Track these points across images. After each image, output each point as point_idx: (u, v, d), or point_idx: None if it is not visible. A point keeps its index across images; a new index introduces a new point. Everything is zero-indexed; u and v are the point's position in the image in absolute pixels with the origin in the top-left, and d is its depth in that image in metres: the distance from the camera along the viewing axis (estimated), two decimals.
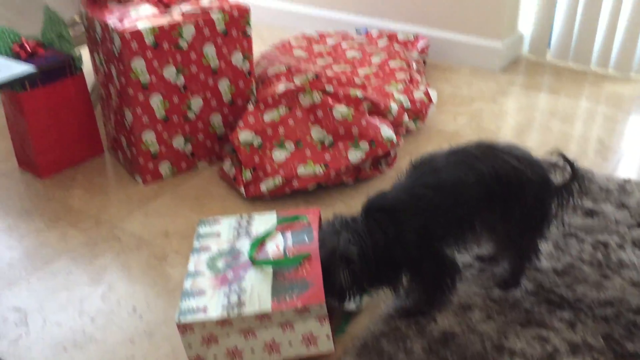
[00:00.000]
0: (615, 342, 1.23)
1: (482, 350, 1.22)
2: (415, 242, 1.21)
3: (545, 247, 1.48)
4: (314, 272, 1.19)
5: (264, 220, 1.38)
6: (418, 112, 2.06)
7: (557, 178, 1.38)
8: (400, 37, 2.57)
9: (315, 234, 1.27)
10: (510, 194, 1.25)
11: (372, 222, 1.21)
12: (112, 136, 1.94)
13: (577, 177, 1.35)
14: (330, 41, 2.56)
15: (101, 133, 2.01)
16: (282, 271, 1.22)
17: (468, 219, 1.26)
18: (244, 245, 1.30)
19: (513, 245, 1.35)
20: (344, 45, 2.51)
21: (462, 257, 1.46)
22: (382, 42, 2.53)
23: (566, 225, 1.57)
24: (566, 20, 2.51)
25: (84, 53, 1.93)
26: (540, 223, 1.32)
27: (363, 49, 2.46)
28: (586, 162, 1.89)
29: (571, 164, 1.36)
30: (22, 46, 1.79)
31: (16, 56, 1.79)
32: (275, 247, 1.28)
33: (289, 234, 1.30)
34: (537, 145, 2.00)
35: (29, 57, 1.79)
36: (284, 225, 1.34)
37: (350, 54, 2.43)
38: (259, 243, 1.30)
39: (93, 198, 1.77)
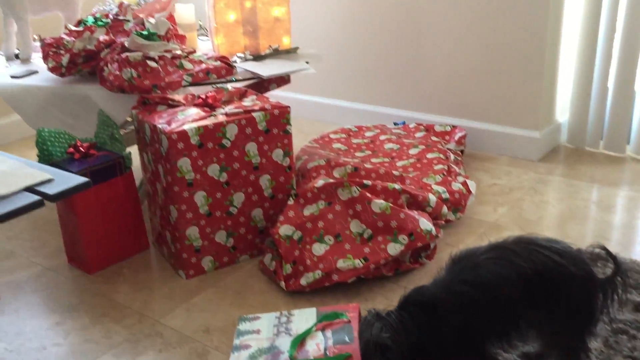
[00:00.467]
0: None
1: None
2: (453, 340, 1.19)
3: (594, 344, 1.42)
4: None
5: (304, 317, 1.38)
6: (457, 203, 2.07)
7: (601, 272, 1.34)
8: (437, 128, 2.62)
9: (356, 333, 1.26)
10: (553, 291, 1.23)
11: (407, 315, 1.20)
12: (157, 231, 2.00)
13: (620, 270, 1.32)
14: (368, 134, 2.63)
15: (147, 228, 2.07)
16: None
17: (510, 316, 1.24)
18: (284, 344, 1.30)
19: (560, 344, 1.31)
20: (382, 137, 2.57)
21: (507, 355, 1.41)
22: (420, 134, 2.58)
23: (615, 321, 1.51)
24: (599, 107, 2.52)
25: (133, 151, 2.03)
26: (587, 320, 1.28)
27: (401, 141, 2.51)
28: (632, 252, 1.85)
29: (613, 257, 1.34)
30: (76, 147, 1.90)
31: (71, 157, 1.90)
32: (315, 346, 1.27)
33: (329, 333, 1.30)
34: (580, 236, 1.97)
35: (82, 158, 1.89)
36: (324, 323, 1.34)
37: (389, 146, 2.49)
38: (299, 341, 1.29)
39: (137, 293, 1.81)
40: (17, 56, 2.42)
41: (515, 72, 2.51)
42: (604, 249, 1.36)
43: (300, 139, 2.84)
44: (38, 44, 2.50)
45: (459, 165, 2.35)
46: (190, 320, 1.68)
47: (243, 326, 1.40)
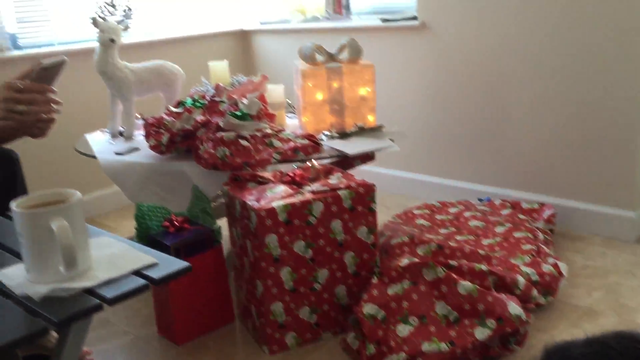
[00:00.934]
0: None
1: None
2: None
3: None
4: None
5: None
6: (548, 286, 1.99)
7: None
8: (525, 205, 2.57)
9: None
10: None
11: None
12: (243, 304, 2.04)
13: None
14: (452, 210, 2.60)
15: (233, 300, 2.12)
16: None
17: None
18: None
19: None
20: (467, 214, 2.54)
21: None
22: (506, 211, 2.53)
23: None
24: None
25: (222, 223, 2.11)
26: None
27: (486, 218, 2.47)
28: None
29: None
30: (171, 221, 2.00)
31: (166, 230, 2.00)
32: None
33: None
34: None
35: (176, 231, 1.99)
36: None
37: (473, 223, 2.45)
38: None
39: None
40: (121, 133, 2.61)
41: (607, 146, 2.44)
42: None
43: (383, 214, 2.86)
44: (140, 121, 2.69)
45: (549, 245, 2.28)
46: None
47: None
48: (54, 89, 1.42)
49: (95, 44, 2.44)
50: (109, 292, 0.84)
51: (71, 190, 0.91)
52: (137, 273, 0.89)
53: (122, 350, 1.97)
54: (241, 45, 3.78)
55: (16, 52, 2.89)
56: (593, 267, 2.26)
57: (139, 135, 2.56)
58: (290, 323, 1.89)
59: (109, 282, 0.86)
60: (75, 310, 0.80)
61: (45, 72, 1.37)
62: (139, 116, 2.72)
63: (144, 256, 0.92)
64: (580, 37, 2.41)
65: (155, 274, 0.88)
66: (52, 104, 1.41)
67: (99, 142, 2.55)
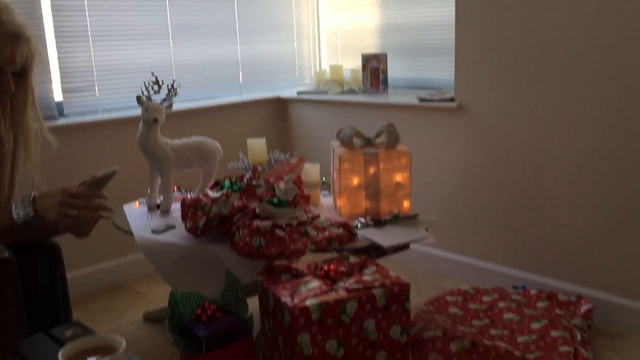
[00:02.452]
0: None
1: None
2: None
3: None
4: None
5: None
6: None
7: None
8: (561, 297, 2.51)
9: None
10: None
11: None
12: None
13: None
14: (486, 299, 2.56)
15: None
16: None
17: None
18: None
19: None
20: (501, 305, 2.49)
21: None
22: (542, 304, 2.48)
23: None
24: None
25: (253, 304, 2.10)
26: None
27: (522, 311, 2.41)
28: None
29: None
30: (204, 309, 2.00)
31: (198, 318, 2.00)
32: None
33: None
34: None
35: (208, 319, 1.98)
36: None
37: (508, 316, 2.40)
38: None
39: None
40: (157, 206, 2.65)
41: None
42: None
43: (414, 293, 2.82)
44: (177, 193, 2.73)
45: (587, 346, 2.21)
46: None
47: None
48: (104, 195, 1.47)
49: (139, 117, 2.50)
50: None
51: (118, 338, 0.92)
52: None
53: None
54: (278, 114, 3.84)
55: (62, 121, 2.98)
56: None
57: (176, 210, 2.59)
58: (316, 355, 1.85)
59: None
60: None
61: (98, 182, 1.42)
62: (176, 189, 2.76)
63: None
64: (621, 123, 2.39)
65: None
66: (100, 209, 1.46)
67: (136, 215, 2.59)
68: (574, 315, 2.39)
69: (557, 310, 2.41)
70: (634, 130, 2.35)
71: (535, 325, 2.29)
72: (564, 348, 2.12)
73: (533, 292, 2.57)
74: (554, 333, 2.22)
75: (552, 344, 2.16)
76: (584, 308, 2.42)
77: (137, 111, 2.51)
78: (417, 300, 2.70)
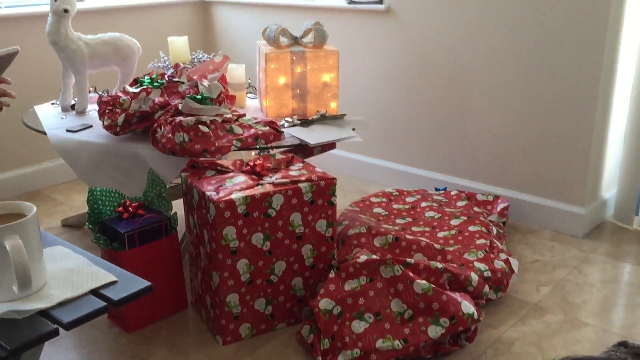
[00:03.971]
0: None
1: None
2: None
3: None
4: None
5: None
6: (499, 282, 2.04)
7: None
8: (480, 197, 2.61)
9: None
10: None
11: None
12: (197, 293, 2.01)
13: None
14: (409, 199, 2.62)
15: (186, 288, 2.09)
16: None
17: None
18: None
19: None
20: (423, 204, 2.56)
21: None
22: (461, 203, 2.57)
23: None
24: None
25: (177, 205, 2.07)
26: None
27: (442, 209, 2.50)
28: None
29: None
30: (125, 207, 1.94)
31: (120, 215, 1.94)
32: None
33: None
34: (627, 325, 1.92)
35: (131, 217, 1.93)
36: None
37: (429, 214, 2.48)
38: None
39: (175, 357, 1.82)
40: (72, 107, 2.50)
41: (563, 144, 2.49)
42: None
43: (340, 198, 2.86)
44: (93, 95, 2.59)
45: (501, 239, 2.33)
46: None
47: None
48: (7, 79, 1.35)
49: (47, 11, 2.31)
50: (66, 315, 0.80)
51: (26, 204, 0.86)
52: (95, 292, 0.85)
53: (70, 335, 1.92)
54: (202, 17, 3.66)
55: None
56: (542, 261, 2.33)
57: (92, 111, 2.46)
58: (245, 314, 1.88)
59: (65, 303, 0.83)
60: (30, 337, 0.76)
61: None
62: (92, 90, 2.61)
63: (102, 273, 0.88)
64: (541, 34, 2.43)
65: (114, 294, 0.85)
66: (1, 96, 1.34)
67: (49, 115, 2.44)
68: (491, 213, 2.50)
69: (475, 209, 2.51)
70: (550, 43, 2.40)
71: (454, 222, 2.38)
72: (480, 241, 2.22)
73: (453, 193, 2.65)
74: (471, 228, 2.31)
75: (469, 238, 2.26)
76: (500, 206, 2.53)
77: (46, 7, 2.31)
78: (343, 205, 2.74)
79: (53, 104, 2.59)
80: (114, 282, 0.88)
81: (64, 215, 2.77)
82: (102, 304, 0.82)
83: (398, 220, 2.45)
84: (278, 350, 1.84)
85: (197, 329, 1.96)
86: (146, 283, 0.87)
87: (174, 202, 2.45)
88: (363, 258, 1.85)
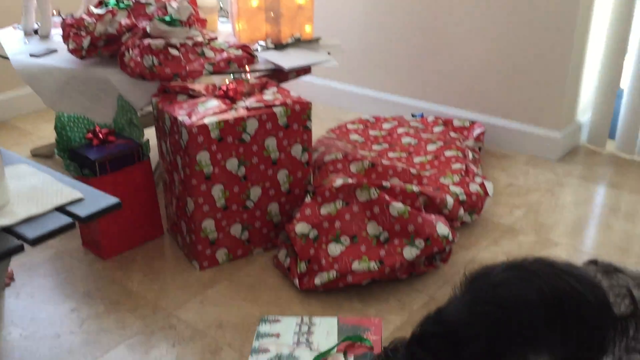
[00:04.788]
0: None
1: None
2: None
3: None
4: None
5: (325, 329, 1.39)
6: (474, 205, 2.06)
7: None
8: (456, 123, 2.60)
9: None
10: (569, 316, 1.22)
11: (427, 350, 1.20)
12: (172, 220, 2.00)
13: (637, 313, 1.31)
14: (386, 126, 2.60)
15: (161, 214, 2.07)
16: None
17: (529, 339, 1.23)
18: (303, 356, 1.31)
19: None
20: (400, 130, 2.55)
21: None
22: (438, 129, 2.56)
23: (629, 338, 1.51)
24: (630, 110, 2.48)
25: (150, 133, 2.02)
26: (599, 348, 1.27)
27: (419, 135, 2.49)
28: None
29: (634, 301, 1.32)
30: (95, 133, 1.89)
31: (89, 142, 1.89)
32: None
33: (351, 358, 1.30)
34: (597, 245, 1.96)
35: (101, 144, 1.88)
36: (346, 344, 1.34)
37: (406, 140, 2.47)
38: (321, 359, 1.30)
39: (152, 282, 1.82)
40: (35, 31, 2.40)
41: (539, 69, 2.47)
42: (629, 289, 1.34)
43: (316, 126, 2.81)
44: (57, 19, 2.47)
45: (477, 164, 2.33)
46: (203, 314, 1.69)
47: (263, 328, 1.40)
48: None
49: None
50: (31, 232, 0.78)
51: None
52: (61, 209, 0.83)
53: (44, 264, 1.91)
54: None
55: None
56: (516, 185, 2.35)
57: (56, 35, 2.36)
58: (221, 240, 1.87)
59: (29, 220, 0.80)
60: None
61: None
62: (56, 13, 2.50)
63: (68, 190, 0.85)
64: None
65: (81, 210, 0.82)
66: None
67: (12, 40, 2.34)
68: (467, 138, 2.50)
69: (452, 134, 2.50)
70: None
71: (431, 147, 2.38)
72: (456, 165, 2.23)
73: (430, 119, 2.64)
74: (447, 153, 2.31)
75: (445, 163, 2.26)
76: (476, 132, 2.53)
77: None
78: (318, 132, 2.70)
79: (15, 27, 2.47)
80: (80, 200, 0.85)
81: (33, 145, 2.70)
82: (69, 220, 0.80)
83: (374, 147, 2.43)
84: (255, 275, 1.86)
85: (174, 255, 1.96)
86: (114, 199, 0.84)
87: (146, 131, 2.40)
88: (339, 182, 1.84)
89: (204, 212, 1.81)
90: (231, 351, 1.55)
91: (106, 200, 0.83)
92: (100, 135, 1.88)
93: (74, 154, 1.85)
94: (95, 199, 0.84)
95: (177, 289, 1.79)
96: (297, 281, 1.75)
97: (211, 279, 1.84)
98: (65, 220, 0.79)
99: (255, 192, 1.87)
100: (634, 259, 1.88)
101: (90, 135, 1.89)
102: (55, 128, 1.87)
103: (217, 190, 1.81)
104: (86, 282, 1.82)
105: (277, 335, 1.37)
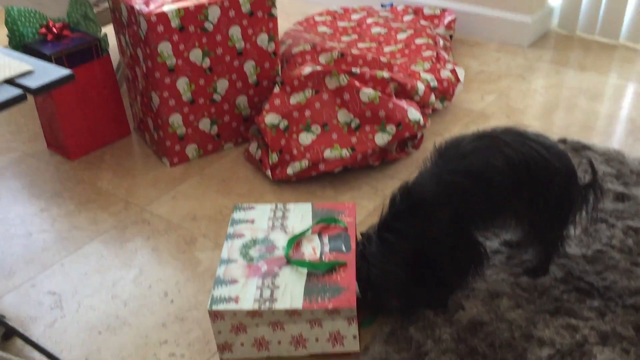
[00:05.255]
0: None
1: (510, 338, 1.23)
2: (446, 233, 1.21)
3: (574, 233, 1.47)
4: (348, 278, 1.21)
5: (300, 214, 1.38)
6: (445, 92, 2.04)
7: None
8: (426, 11, 2.52)
9: (353, 243, 1.28)
10: (537, 183, 1.24)
11: (400, 231, 1.22)
12: (138, 117, 1.95)
13: (597, 181, 1.33)
14: (354, 17, 2.52)
15: (127, 113, 2.02)
16: (316, 273, 1.23)
17: (497, 204, 1.25)
18: (279, 239, 1.31)
19: (539, 234, 1.34)
20: (369, 20, 2.47)
21: (490, 244, 1.46)
22: (408, 17, 2.49)
23: (596, 211, 1.55)
24: None
25: (109, 31, 1.93)
26: (565, 214, 1.30)
27: (388, 25, 2.42)
28: (617, 143, 1.86)
29: (593, 171, 1.35)
30: (49, 28, 1.79)
31: (43, 38, 1.80)
32: (311, 249, 1.29)
33: (326, 238, 1.31)
34: (566, 125, 1.97)
35: (56, 39, 1.79)
36: (320, 226, 1.35)
37: (376, 30, 2.40)
38: (295, 241, 1.31)
39: (122, 180, 1.79)
40: None
41: None
42: (590, 161, 1.37)
43: (283, 20, 2.72)
44: None
45: (448, 51, 2.29)
46: (177, 208, 1.68)
47: (237, 215, 1.40)
48: None
49: None
50: None
51: None
52: (11, 82, 0.78)
53: (10, 166, 1.86)
54: None
55: None
56: (487, 72, 2.33)
57: None
58: (190, 135, 1.84)
59: None
60: None
61: None
62: None
63: (16, 63, 0.80)
64: None
65: (32, 82, 0.78)
66: None
67: None
68: (438, 26, 2.44)
69: (422, 22, 2.44)
70: None
71: (401, 36, 2.32)
72: (427, 53, 2.18)
73: (400, 8, 2.56)
74: (418, 41, 2.26)
75: (416, 51, 2.21)
76: (447, 19, 2.46)
77: None
78: (285, 25, 2.61)
79: None
80: (30, 72, 0.80)
81: None
82: (19, 91, 0.75)
83: (343, 38, 2.36)
84: (226, 169, 1.84)
85: (143, 153, 1.93)
86: (66, 71, 0.80)
87: (105, 29, 2.29)
88: (307, 70, 1.79)
89: (170, 107, 1.76)
90: (206, 241, 1.56)
91: (58, 72, 0.78)
92: (55, 30, 1.79)
93: (28, 49, 1.75)
94: (46, 71, 0.79)
95: (149, 186, 1.77)
96: (269, 172, 1.74)
97: (182, 175, 1.82)
98: (15, 92, 0.75)
99: (222, 84, 1.82)
100: (601, 137, 1.90)
101: (43, 30, 1.79)
102: (6, 23, 1.77)
103: (182, 84, 1.75)
104: (54, 183, 1.79)
105: (252, 221, 1.37)
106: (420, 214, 1.21)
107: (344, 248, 1.28)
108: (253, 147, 1.83)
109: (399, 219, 1.23)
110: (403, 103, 1.79)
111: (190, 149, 1.86)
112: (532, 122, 2.00)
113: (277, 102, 1.78)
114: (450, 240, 1.22)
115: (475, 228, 1.27)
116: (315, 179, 1.75)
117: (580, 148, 1.81)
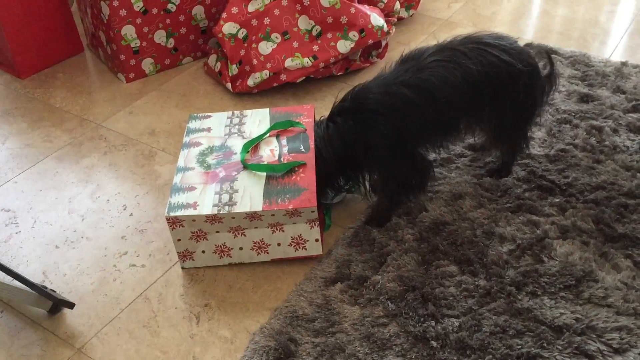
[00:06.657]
0: (605, 224, 1.23)
1: (472, 236, 1.23)
2: (384, 143, 1.18)
3: (538, 134, 1.46)
4: (308, 179, 1.18)
5: (257, 119, 1.34)
6: (410, 0, 1.97)
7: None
8: None
9: (312, 143, 1.24)
10: (500, 89, 1.21)
11: (339, 125, 1.20)
12: (90, 32, 1.86)
13: (554, 68, 1.31)
14: None
15: (79, 30, 1.92)
16: (275, 175, 1.20)
17: (451, 120, 1.23)
18: (236, 145, 1.28)
19: (504, 137, 1.32)
20: None
21: (453, 147, 1.44)
22: None
23: (560, 112, 1.54)
24: None
25: None
26: (530, 112, 1.29)
27: None
28: (584, 46, 1.83)
29: (550, 59, 1.32)
30: None
31: None
32: (269, 152, 1.25)
33: (284, 140, 1.27)
34: (532, 30, 1.93)
35: None
36: (279, 130, 1.31)
37: None
38: (252, 145, 1.27)
39: (76, 98, 1.72)
40: None
41: None
42: (546, 51, 1.34)
43: None
44: None
45: None
46: (134, 123, 1.62)
47: (193, 124, 1.35)
48: None
49: None
50: None
51: None
52: None
53: None
54: None
55: None
56: None
57: None
58: (146, 48, 1.76)
59: None
60: None
61: None
62: None
63: None
64: None
65: None
66: None
67: None
68: None
69: None
70: None
71: None
72: None
73: None
74: None
75: None
76: None
77: None
78: None
79: None
80: None
81: None
82: None
83: None
84: (185, 83, 1.78)
85: (98, 70, 1.85)
86: None
87: None
88: None
89: (121, 18, 1.67)
90: (166, 154, 1.52)
91: None
92: None
93: None
94: None
95: (104, 102, 1.71)
96: (229, 85, 1.69)
97: (139, 90, 1.75)
98: None
99: None
100: (569, 41, 1.86)
101: None
102: None
103: None
104: (4, 102, 1.71)
105: (208, 130, 1.33)
106: (359, 117, 1.19)
107: (302, 148, 1.25)
108: (212, 59, 1.77)
109: (341, 115, 1.22)
110: (366, 8, 1.73)
111: (147, 64, 1.78)
112: (501, 29, 1.95)
113: (234, 10, 1.70)
114: (388, 152, 1.20)
115: (420, 143, 1.25)
116: (277, 90, 1.70)
117: (546, 51, 1.77)
